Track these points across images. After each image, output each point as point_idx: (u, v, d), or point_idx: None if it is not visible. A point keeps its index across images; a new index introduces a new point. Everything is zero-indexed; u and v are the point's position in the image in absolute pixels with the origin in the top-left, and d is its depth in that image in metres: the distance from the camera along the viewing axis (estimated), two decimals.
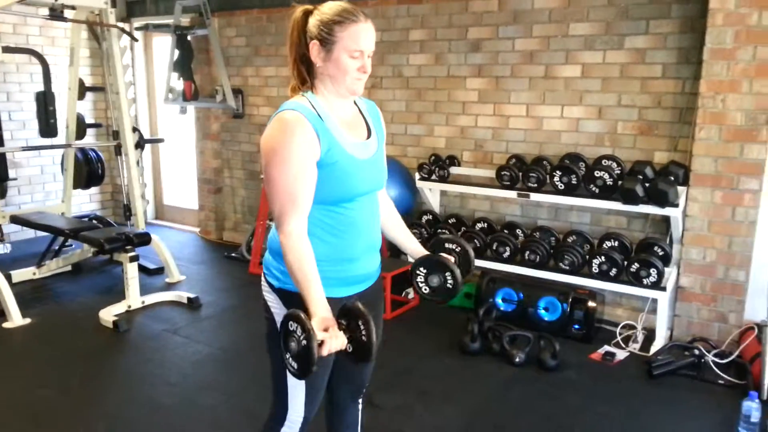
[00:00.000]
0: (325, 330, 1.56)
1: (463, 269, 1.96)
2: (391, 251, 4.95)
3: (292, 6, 1.78)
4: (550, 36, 4.21)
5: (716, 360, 3.45)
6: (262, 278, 1.89)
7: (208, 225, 6.31)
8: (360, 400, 2.16)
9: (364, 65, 1.73)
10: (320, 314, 1.59)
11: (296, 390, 1.87)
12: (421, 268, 1.94)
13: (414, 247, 2.05)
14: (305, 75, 1.77)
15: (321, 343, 1.53)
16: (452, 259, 1.97)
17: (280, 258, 1.81)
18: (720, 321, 3.71)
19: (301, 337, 1.53)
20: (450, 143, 4.74)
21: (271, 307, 1.87)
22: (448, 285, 1.90)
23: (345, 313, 1.64)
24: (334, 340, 1.55)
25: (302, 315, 1.55)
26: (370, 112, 1.93)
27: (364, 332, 1.59)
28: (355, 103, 1.89)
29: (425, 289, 1.94)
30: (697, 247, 3.71)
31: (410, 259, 2.04)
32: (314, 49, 1.71)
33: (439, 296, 1.93)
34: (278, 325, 1.84)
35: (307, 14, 1.74)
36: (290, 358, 1.59)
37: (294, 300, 1.80)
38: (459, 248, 2.01)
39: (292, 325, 1.56)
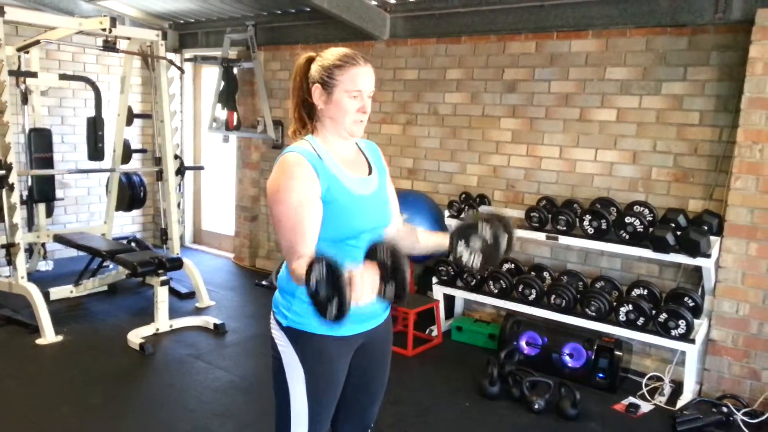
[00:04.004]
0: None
1: (502, 226, 1.81)
2: (418, 286, 4.94)
3: (298, 55, 1.86)
4: (586, 79, 4.20)
5: (746, 419, 3.30)
6: (271, 316, 1.92)
7: (242, 251, 6.42)
8: None
9: (364, 105, 1.80)
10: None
11: (299, 429, 1.87)
12: (460, 241, 1.81)
13: (445, 236, 1.95)
14: (306, 118, 1.85)
15: (351, 283, 1.41)
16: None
17: (288, 296, 1.85)
18: (752, 378, 3.56)
19: (328, 274, 1.42)
20: (482, 182, 4.74)
21: (278, 345, 1.89)
22: (488, 239, 1.76)
23: (368, 255, 1.53)
24: (366, 275, 1.45)
25: (325, 254, 1.45)
26: (370, 151, 1.99)
27: (393, 265, 1.48)
28: (356, 144, 1.95)
29: (476, 260, 1.79)
30: (730, 300, 3.59)
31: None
32: (316, 92, 1.79)
33: (491, 258, 1.78)
34: (284, 364, 1.86)
35: (310, 61, 1.83)
36: (329, 305, 1.44)
37: (301, 338, 1.82)
38: (488, 216, 1.84)
39: (316, 269, 1.44)
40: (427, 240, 2.02)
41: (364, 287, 1.43)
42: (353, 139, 1.88)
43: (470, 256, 1.80)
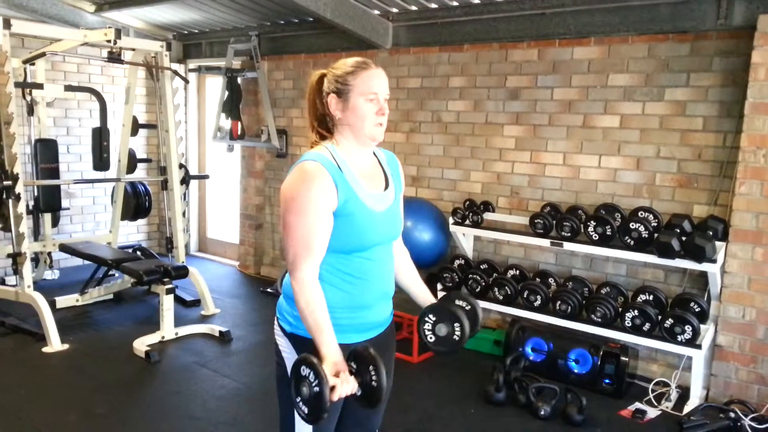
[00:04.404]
0: (336, 375, 1.58)
1: (470, 327, 1.91)
2: None
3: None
4: (589, 86, 4.21)
5: (754, 425, 3.29)
6: (275, 322, 1.93)
7: (247, 259, 6.44)
8: None
9: (382, 107, 1.80)
10: (332, 359, 1.62)
11: None
12: (431, 316, 1.90)
13: (426, 297, 2.04)
14: (324, 133, 1.85)
15: (332, 389, 1.54)
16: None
17: (293, 303, 1.84)
18: (760, 383, 3.54)
19: (314, 383, 1.54)
20: (486, 189, 4.75)
21: (282, 351, 1.90)
22: (455, 337, 1.85)
23: (355, 357, 1.64)
24: (345, 385, 1.57)
25: (314, 360, 1.56)
26: (389, 163, 1.99)
27: (374, 377, 1.59)
28: (375, 154, 1.95)
29: (430, 338, 1.89)
30: (736, 305, 3.58)
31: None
32: (332, 102, 1.80)
33: (443, 347, 1.88)
34: (288, 369, 1.87)
35: (323, 77, 1.85)
36: (301, 403, 1.59)
37: (305, 345, 1.82)
38: (469, 306, 1.96)
39: (305, 370, 1.57)
40: (412, 286, 2.08)
41: (341, 393, 1.57)
42: (373, 145, 1.88)
43: (429, 335, 1.90)
